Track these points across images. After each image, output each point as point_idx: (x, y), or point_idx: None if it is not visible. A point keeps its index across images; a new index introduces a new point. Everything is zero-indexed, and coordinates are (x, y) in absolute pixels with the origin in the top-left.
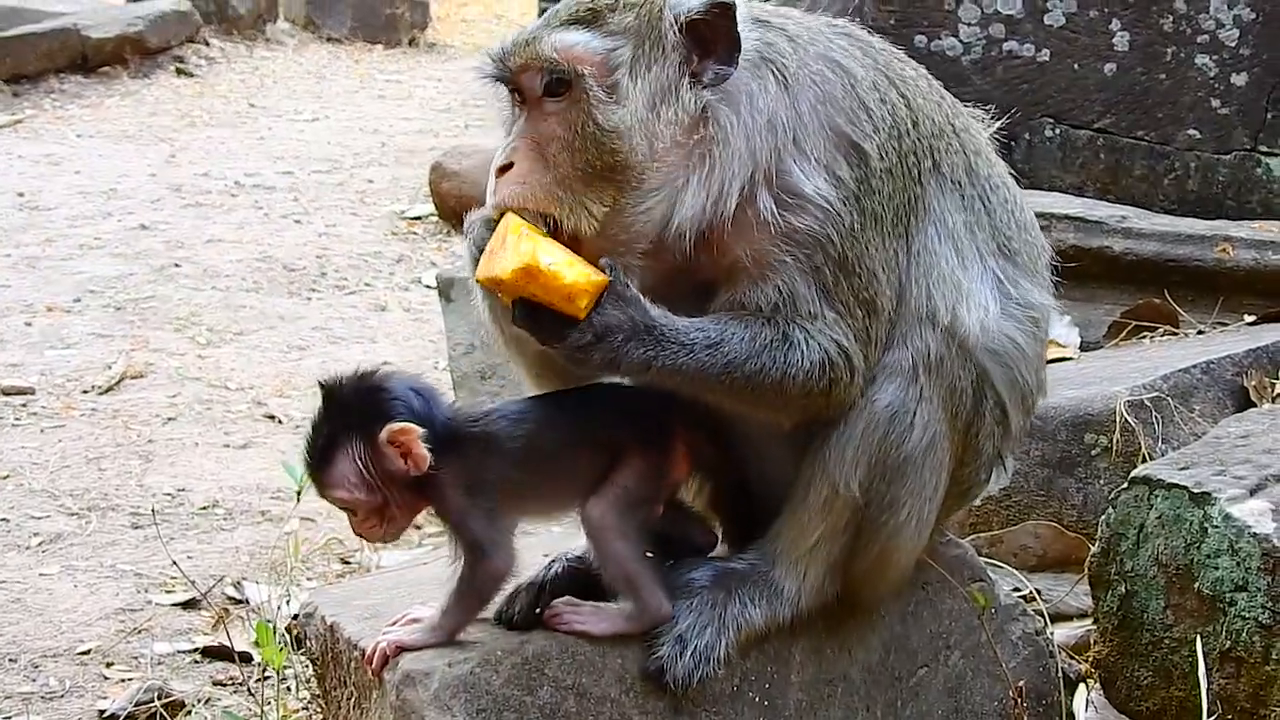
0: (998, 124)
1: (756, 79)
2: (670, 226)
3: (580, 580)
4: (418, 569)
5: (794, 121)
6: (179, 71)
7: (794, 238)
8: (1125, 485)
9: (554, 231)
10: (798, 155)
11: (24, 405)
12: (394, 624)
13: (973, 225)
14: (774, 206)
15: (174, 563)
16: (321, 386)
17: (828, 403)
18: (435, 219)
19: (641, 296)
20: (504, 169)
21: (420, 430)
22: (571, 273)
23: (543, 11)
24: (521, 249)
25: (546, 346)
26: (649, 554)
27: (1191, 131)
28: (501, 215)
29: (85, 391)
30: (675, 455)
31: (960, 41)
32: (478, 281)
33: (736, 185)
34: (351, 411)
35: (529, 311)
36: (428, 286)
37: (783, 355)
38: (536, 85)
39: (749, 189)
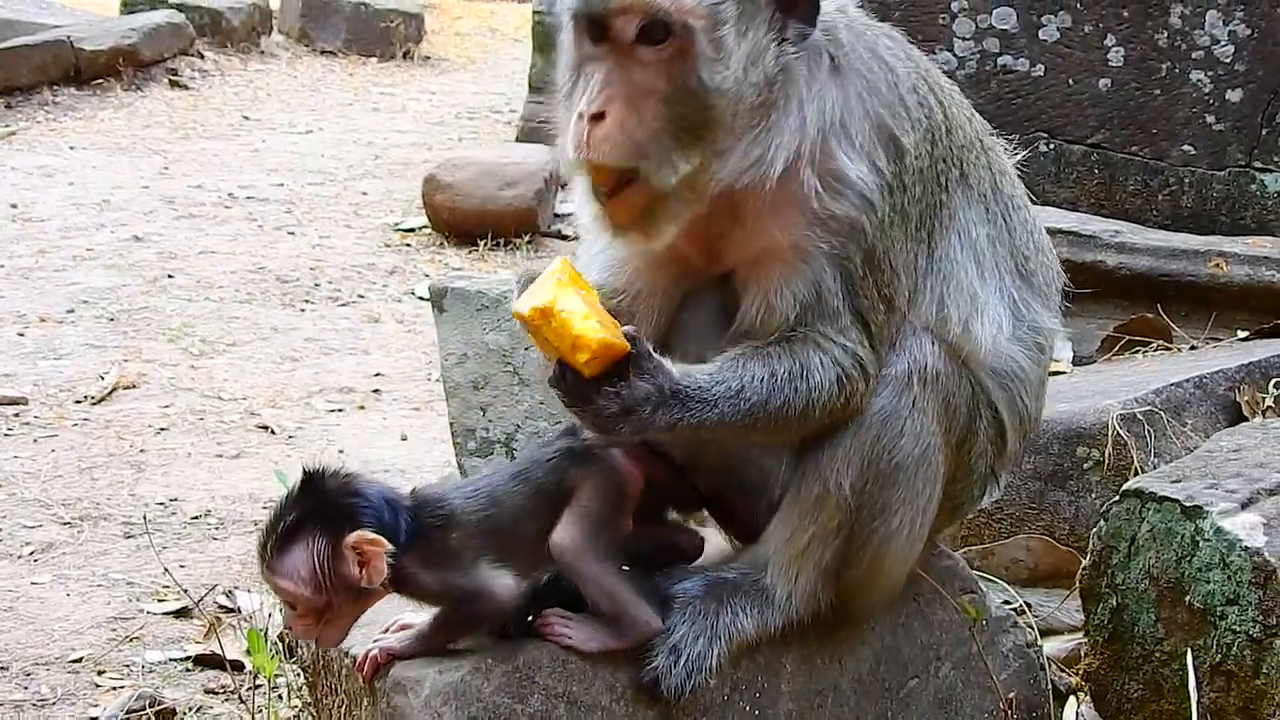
0: (1021, 154)
1: (814, 57)
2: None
3: (570, 593)
4: None
5: (843, 106)
6: (173, 84)
7: (831, 224)
8: (1117, 498)
9: (628, 183)
10: (844, 139)
11: (17, 415)
12: (385, 631)
13: (995, 240)
14: (818, 187)
15: (166, 570)
16: (303, 473)
17: (845, 413)
18: (428, 231)
19: (665, 361)
20: (596, 118)
21: (387, 546)
22: (582, 324)
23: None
24: (549, 290)
25: (573, 411)
26: (626, 569)
27: (1186, 147)
28: (588, 165)
29: (78, 401)
30: (622, 467)
31: (955, 56)
32: (513, 314)
33: (783, 155)
34: (324, 507)
35: (563, 374)
36: (420, 298)
37: (804, 385)
38: (631, 30)
39: (794, 164)
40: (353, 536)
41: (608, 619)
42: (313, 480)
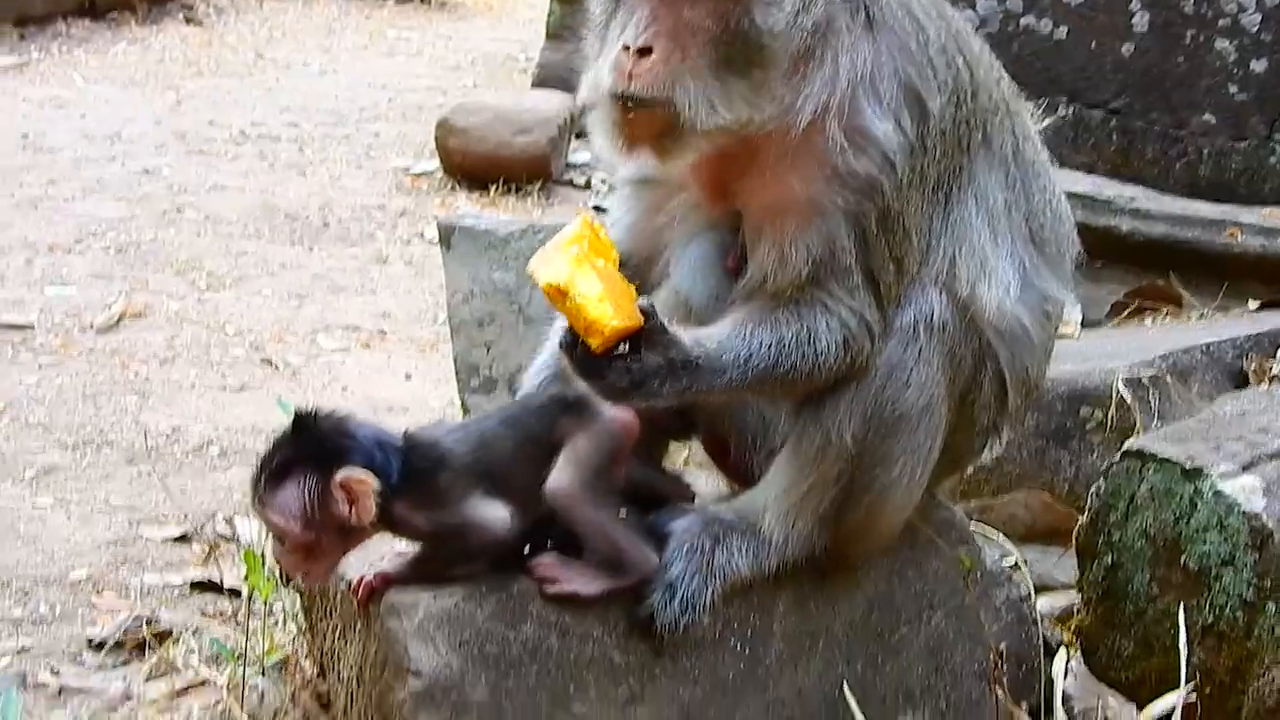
0: (1048, 120)
1: (853, 9)
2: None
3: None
4: None
5: (874, 62)
6: (187, 20)
7: (850, 181)
8: (1118, 457)
9: (666, 124)
10: (871, 96)
11: (23, 341)
12: (382, 558)
13: (1011, 206)
14: (843, 142)
15: (167, 496)
16: (295, 414)
17: (851, 371)
18: (440, 175)
19: (677, 331)
20: (643, 52)
21: (375, 485)
22: (597, 309)
23: None
24: (565, 266)
25: (583, 379)
26: (624, 511)
27: (1207, 117)
28: (621, 100)
29: (84, 330)
30: (618, 417)
31: (977, 14)
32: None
33: (811, 106)
34: (316, 446)
35: (572, 342)
36: (430, 241)
37: (810, 349)
38: None
39: (820, 116)
40: (341, 474)
41: (605, 561)
42: (305, 420)
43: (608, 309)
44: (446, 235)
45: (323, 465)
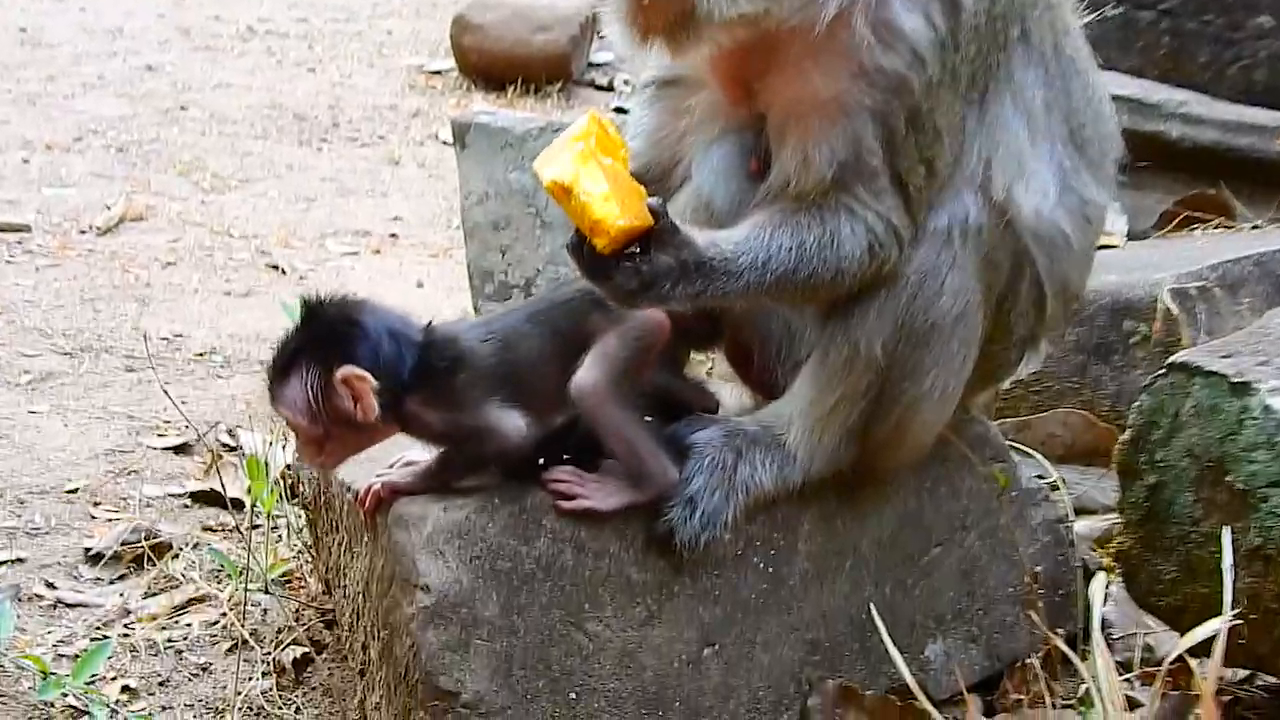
0: (1096, 14)
1: None
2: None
3: (583, 438)
4: None
5: None
6: None
7: (877, 78)
8: (1162, 371)
9: (682, 12)
10: None
11: (19, 242)
12: (390, 467)
13: (1050, 105)
14: (870, 38)
15: (169, 404)
16: (303, 303)
17: (878, 277)
18: (455, 74)
19: (690, 232)
20: None
21: (373, 383)
22: (603, 208)
23: None
24: (570, 163)
25: (590, 281)
26: (648, 419)
27: (1263, 19)
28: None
29: (83, 231)
30: (650, 315)
31: None
32: (532, 169)
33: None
34: (320, 339)
35: (578, 243)
36: (444, 143)
37: (832, 254)
38: None
39: (847, 10)
40: (341, 371)
41: (623, 469)
42: (314, 309)
43: (614, 207)
44: (461, 133)
45: (325, 359)
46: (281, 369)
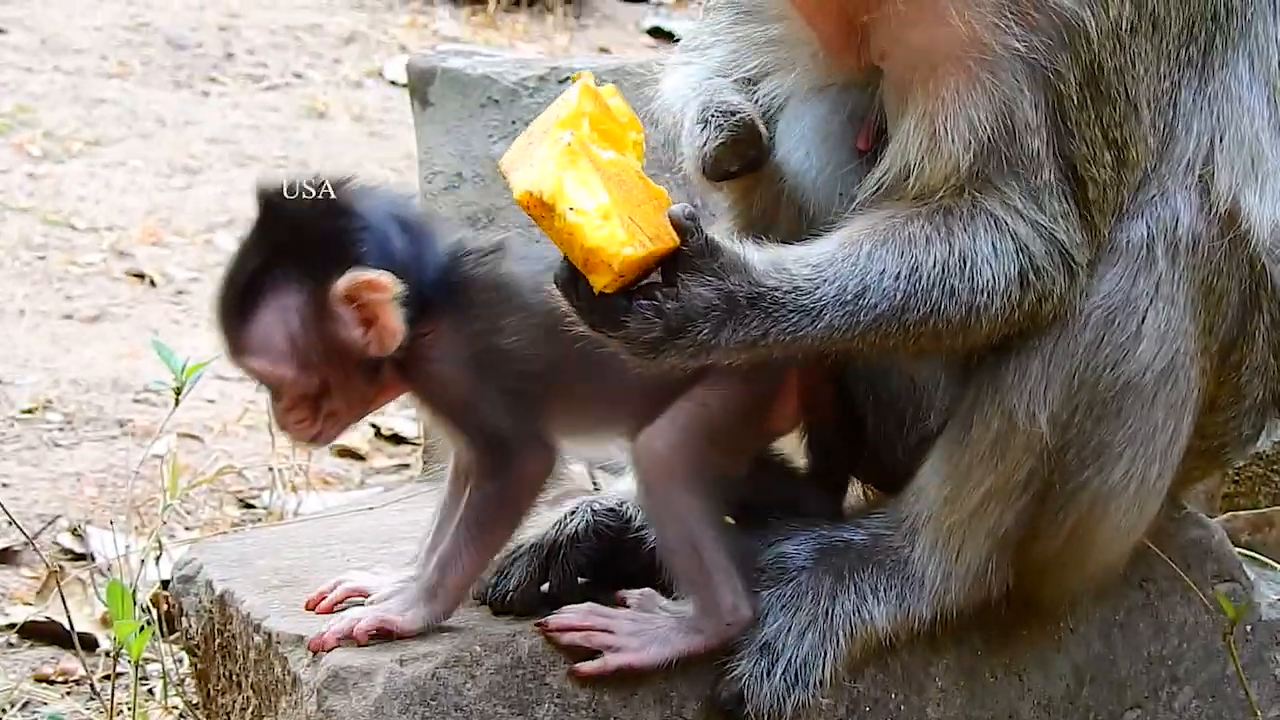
0: None
1: None
2: None
3: (610, 548)
4: (354, 519)
5: None
6: None
7: (1033, 17)
8: None
9: None
10: None
11: None
12: (325, 597)
13: None
14: None
15: None
16: (261, 195)
17: (1034, 322)
18: None
19: (739, 251)
20: None
21: (396, 288)
22: (599, 233)
23: None
24: (551, 166)
25: (592, 334)
26: (729, 520)
27: None
28: None
29: None
30: (784, 387)
31: None
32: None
33: None
34: (299, 241)
35: (573, 281)
36: (392, 83)
37: (964, 286)
38: None
39: None
40: (344, 281)
41: (678, 596)
42: (277, 204)
43: (616, 230)
44: (420, 84)
45: (313, 273)
46: (242, 300)
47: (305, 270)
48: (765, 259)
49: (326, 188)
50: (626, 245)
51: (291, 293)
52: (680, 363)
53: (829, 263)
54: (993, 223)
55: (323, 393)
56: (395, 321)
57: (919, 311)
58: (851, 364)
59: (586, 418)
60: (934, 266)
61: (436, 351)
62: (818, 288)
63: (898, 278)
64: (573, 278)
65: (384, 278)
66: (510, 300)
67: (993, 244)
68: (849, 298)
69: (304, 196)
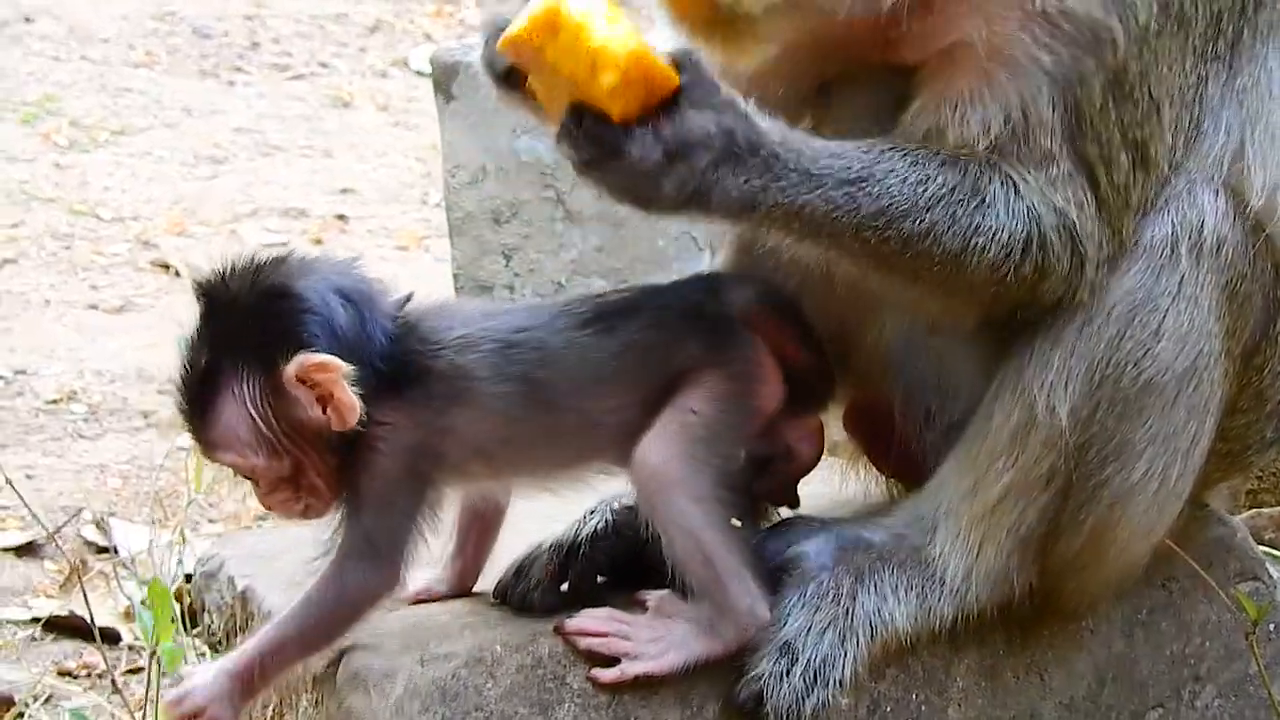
0: None
1: None
2: None
3: (630, 547)
4: None
5: None
6: None
7: (1061, 27)
8: None
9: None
10: None
11: None
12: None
13: None
14: None
15: (7, 482)
16: (198, 288)
17: (1032, 295)
18: None
19: (742, 99)
20: None
21: (345, 368)
22: (603, 34)
23: None
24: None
25: (593, 173)
26: (737, 522)
27: None
28: None
29: None
30: (762, 364)
31: None
32: (500, 49)
33: None
34: (242, 331)
35: (579, 119)
36: (418, 73)
37: (965, 214)
38: None
39: None
40: (292, 367)
41: (691, 601)
42: (215, 294)
43: (622, 26)
44: (444, 79)
45: (261, 359)
46: (198, 398)
47: (253, 359)
48: (774, 124)
49: (263, 271)
50: (631, 44)
51: (244, 383)
52: (679, 200)
53: (839, 147)
54: (1010, 183)
55: (298, 472)
56: (349, 397)
57: (917, 223)
58: (883, 348)
59: (556, 468)
60: (943, 186)
61: (381, 444)
62: (821, 159)
63: (905, 181)
64: (577, 119)
65: (331, 361)
66: (466, 398)
67: (1007, 199)
68: (852, 178)
69: (242, 283)
